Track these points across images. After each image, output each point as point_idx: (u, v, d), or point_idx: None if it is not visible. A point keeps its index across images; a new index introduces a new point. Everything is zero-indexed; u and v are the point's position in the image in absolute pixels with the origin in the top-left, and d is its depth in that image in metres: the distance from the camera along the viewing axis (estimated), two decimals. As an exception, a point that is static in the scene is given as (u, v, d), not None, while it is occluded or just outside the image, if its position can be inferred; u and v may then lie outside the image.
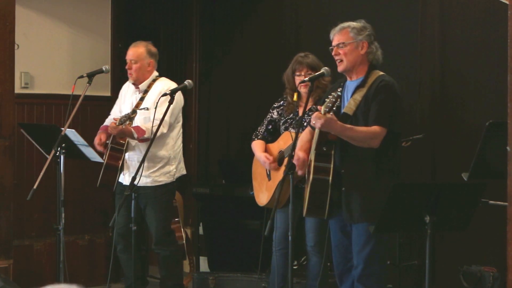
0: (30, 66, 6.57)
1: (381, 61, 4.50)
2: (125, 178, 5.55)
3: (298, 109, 5.20)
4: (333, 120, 4.20)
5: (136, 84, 5.60)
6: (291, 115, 5.21)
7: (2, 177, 5.90)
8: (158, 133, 5.32)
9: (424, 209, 3.85)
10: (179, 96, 5.54)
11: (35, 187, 4.90)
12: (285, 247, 5.09)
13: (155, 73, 5.64)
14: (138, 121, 5.48)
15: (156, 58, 5.65)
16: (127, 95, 5.71)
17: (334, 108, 4.18)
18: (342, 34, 4.45)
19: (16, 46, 6.03)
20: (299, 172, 4.48)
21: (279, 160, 5.15)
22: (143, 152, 5.39)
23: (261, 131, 5.32)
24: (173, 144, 5.60)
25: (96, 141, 5.54)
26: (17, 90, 6.28)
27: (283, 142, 5.14)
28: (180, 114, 5.64)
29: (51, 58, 6.71)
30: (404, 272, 5.63)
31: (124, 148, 5.48)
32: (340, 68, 4.47)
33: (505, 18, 3.24)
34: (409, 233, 5.52)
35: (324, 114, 4.17)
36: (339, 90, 4.29)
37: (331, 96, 4.19)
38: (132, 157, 5.55)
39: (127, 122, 5.34)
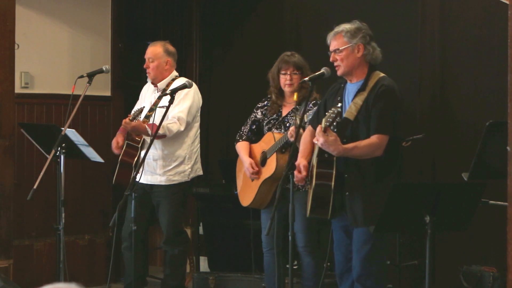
0: (30, 66, 6.56)
1: (380, 60, 4.48)
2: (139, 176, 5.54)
3: (282, 110, 5.21)
4: (337, 142, 4.19)
5: (154, 83, 5.62)
6: (275, 115, 5.21)
7: (2, 177, 5.90)
8: (175, 130, 5.36)
9: (424, 209, 3.85)
10: (196, 95, 5.58)
11: (35, 187, 4.90)
12: (274, 247, 5.10)
13: (175, 73, 5.66)
14: (156, 118, 5.47)
15: (174, 57, 5.67)
16: (147, 94, 5.74)
17: (334, 124, 4.16)
18: (336, 39, 4.43)
19: (16, 46, 6.03)
20: (300, 182, 4.52)
21: (262, 161, 5.16)
22: (159, 150, 5.41)
23: (245, 131, 5.33)
24: (190, 144, 5.61)
25: (114, 144, 5.56)
26: (17, 90, 6.27)
27: (266, 143, 5.15)
28: (198, 114, 5.65)
29: (51, 58, 6.71)
30: (404, 272, 5.63)
31: (140, 145, 5.49)
32: (339, 73, 4.46)
33: (505, 18, 3.24)
34: (409, 233, 5.52)
35: (325, 128, 4.16)
36: (339, 105, 4.25)
37: (331, 111, 4.16)
38: (147, 155, 5.53)
39: (139, 117, 5.35)
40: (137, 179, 4.82)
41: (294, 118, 4.89)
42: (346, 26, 4.43)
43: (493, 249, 5.16)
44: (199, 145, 5.72)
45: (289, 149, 5.00)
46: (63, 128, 5.16)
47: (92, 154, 5.41)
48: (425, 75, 5.78)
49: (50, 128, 5.81)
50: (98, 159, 5.46)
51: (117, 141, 5.57)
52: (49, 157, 5.07)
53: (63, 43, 6.79)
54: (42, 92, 6.66)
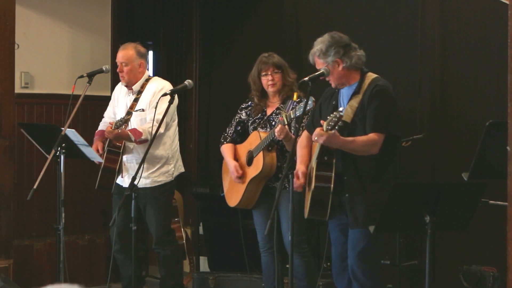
0: (30, 66, 6.56)
1: (364, 61, 4.47)
2: (124, 181, 5.54)
3: (266, 110, 5.22)
4: (335, 136, 4.21)
5: (129, 85, 5.60)
6: (259, 115, 5.23)
7: (2, 177, 5.90)
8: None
9: (424, 209, 3.85)
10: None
11: (35, 187, 4.90)
12: (271, 247, 5.11)
13: (147, 73, 5.65)
14: (134, 122, 5.48)
15: (146, 58, 5.65)
16: (120, 97, 5.71)
17: (336, 128, 4.17)
18: (315, 60, 4.47)
19: (16, 46, 6.03)
20: (298, 189, 4.51)
21: (248, 160, 5.17)
22: (141, 154, 5.39)
23: (230, 133, 5.35)
24: (171, 143, 5.60)
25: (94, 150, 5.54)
26: (17, 90, 6.28)
27: (252, 142, 5.17)
28: (175, 113, 5.65)
29: (51, 58, 6.71)
30: (404, 272, 5.63)
31: (121, 150, 5.48)
32: (332, 86, 4.52)
33: (505, 18, 3.24)
34: (409, 233, 5.52)
35: (326, 131, 4.17)
36: (341, 109, 4.27)
37: (333, 115, 4.17)
38: (130, 159, 5.55)
39: (123, 126, 5.33)
40: (135, 183, 4.81)
41: (280, 115, 4.91)
42: (317, 47, 4.43)
43: (493, 249, 5.15)
44: (178, 143, 5.71)
45: (275, 146, 5.02)
46: (63, 128, 5.16)
47: (92, 154, 5.41)
48: (425, 75, 5.78)
49: (50, 128, 5.81)
50: (98, 159, 5.46)
51: (97, 148, 5.55)
52: (49, 157, 5.06)
53: (63, 43, 6.79)
54: (42, 92, 6.66)
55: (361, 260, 4.40)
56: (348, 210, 4.40)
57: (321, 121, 4.29)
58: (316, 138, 4.26)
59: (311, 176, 4.45)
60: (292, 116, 4.71)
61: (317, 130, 4.24)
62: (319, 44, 4.44)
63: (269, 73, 5.15)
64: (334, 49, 4.41)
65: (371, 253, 4.43)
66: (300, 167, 4.53)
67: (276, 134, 4.84)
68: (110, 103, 5.83)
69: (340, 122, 4.16)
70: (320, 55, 4.42)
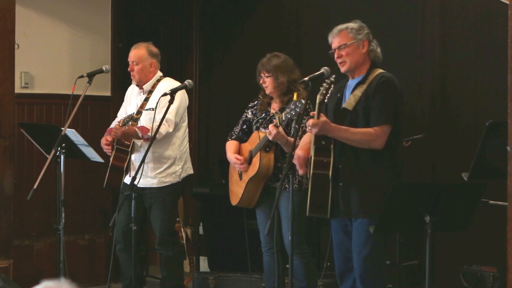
0: (30, 66, 6.57)
1: (380, 59, 4.51)
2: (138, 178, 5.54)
3: (270, 109, 5.22)
4: (327, 123, 4.24)
5: (140, 85, 5.60)
6: (263, 114, 5.23)
7: (2, 177, 5.90)
8: (164, 132, 5.33)
9: (424, 209, 3.85)
10: (184, 95, 5.55)
11: (35, 187, 4.90)
12: (273, 247, 5.12)
13: (159, 73, 5.65)
14: (143, 121, 5.48)
15: (158, 58, 5.65)
16: (132, 97, 5.72)
17: (328, 95, 4.22)
18: (341, 36, 4.47)
19: (16, 46, 6.03)
20: (300, 172, 4.49)
21: (249, 160, 5.17)
22: (149, 153, 5.39)
23: (236, 131, 5.35)
24: (179, 144, 5.60)
25: (103, 142, 5.55)
26: (17, 90, 6.28)
27: (252, 142, 5.17)
28: (186, 114, 5.65)
29: (51, 58, 6.71)
30: (404, 272, 5.63)
31: (130, 149, 5.48)
32: (343, 69, 4.48)
33: (505, 18, 3.24)
34: (409, 233, 5.52)
35: (318, 113, 4.19)
36: (333, 76, 4.30)
37: (324, 84, 4.25)
38: (138, 158, 5.53)
39: (130, 123, 5.34)
40: (135, 182, 4.81)
41: (275, 117, 4.91)
42: (349, 24, 4.49)
43: (493, 249, 5.15)
44: (188, 144, 5.72)
45: (273, 147, 5.02)
46: (63, 128, 5.16)
47: (92, 154, 5.42)
48: (425, 75, 5.78)
49: (50, 128, 5.81)
50: (98, 159, 5.46)
51: (107, 139, 5.55)
52: (49, 157, 5.07)
53: (63, 43, 6.79)
54: (42, 92, 6.66)
55: (368, 264, 4.39)
56: (341, 199, 4.36)
57: (311, 113, 4.31)
58: (310, 129, 4.28)
59: (310, 165, 4.43)
60: (283, 119, 4.71)
61: (310, 121, 4.25)
62: (350, 23, 4.48)
63: (262, 75, 5.16)
64: (366, 30, 4.49)
65: (376, 256, 4.41)
66: (297, 152, 4.50)
67: (267, 135, 4.85)
68: (123, 103, 5.83)
69: (332, 88, 4.25)
70: (352, 30, 4.45)
